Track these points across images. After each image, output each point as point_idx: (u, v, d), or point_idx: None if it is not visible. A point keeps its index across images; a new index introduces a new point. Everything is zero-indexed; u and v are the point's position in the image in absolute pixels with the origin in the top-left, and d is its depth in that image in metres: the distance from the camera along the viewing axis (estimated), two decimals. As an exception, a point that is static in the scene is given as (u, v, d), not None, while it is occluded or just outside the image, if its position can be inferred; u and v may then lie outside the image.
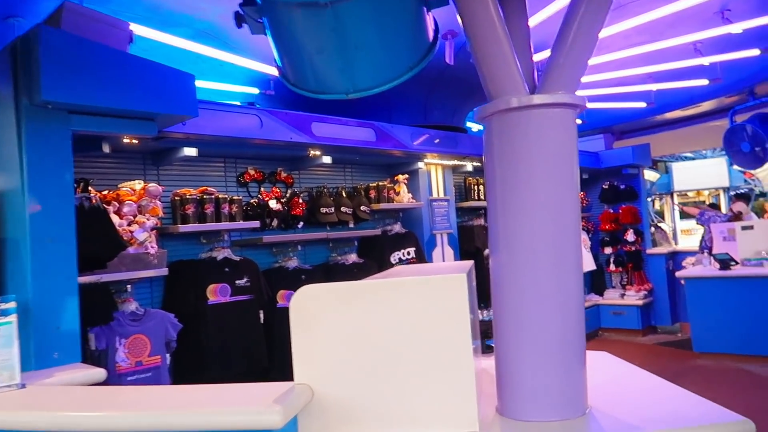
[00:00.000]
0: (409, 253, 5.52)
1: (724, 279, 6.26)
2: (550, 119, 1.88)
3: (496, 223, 1.97)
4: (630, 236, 8.24)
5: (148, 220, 3.61)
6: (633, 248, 8.30)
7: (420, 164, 5.66)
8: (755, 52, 5.54)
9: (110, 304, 3.21)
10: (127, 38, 3.00)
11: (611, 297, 8.37)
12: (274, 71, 5.18)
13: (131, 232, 3.50)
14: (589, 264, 8.13)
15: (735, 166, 15.41)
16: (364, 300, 1.85)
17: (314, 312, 1.86)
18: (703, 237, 7.59)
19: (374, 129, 4.84)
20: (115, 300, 3.37)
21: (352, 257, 5.07)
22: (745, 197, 8.35)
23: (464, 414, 1.77)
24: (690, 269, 6.99)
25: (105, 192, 3.64)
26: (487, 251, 6.59)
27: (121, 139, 3.36)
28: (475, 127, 8.01)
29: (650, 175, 19.40)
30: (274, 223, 4.58)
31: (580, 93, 1.94)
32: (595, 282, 8.71)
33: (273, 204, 4.53)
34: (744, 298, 6.13)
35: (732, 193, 14.68)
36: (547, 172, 1.89)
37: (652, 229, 9.07)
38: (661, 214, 18.05)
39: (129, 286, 3.54)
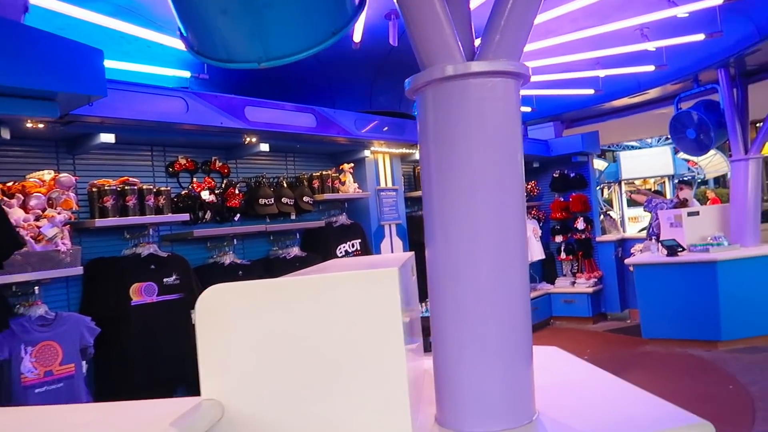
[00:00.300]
0: (354, 246, 5.29)
1: (671, 265, 6.28)
2: (491, 90, 1.66)
3: (431, 208, 1.75)
4: (580, 224, 8.23)
5: (59, 214, 3.25)
6: (583, 236, 8.29)
7: (366, 152, 5.41)
8: (700, 37, 5.52)
9: (4, 308, 2.85)
10: (21, 7, 2.63)
11: (562, 285, 8.36)
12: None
13: (38, 227, 3.13)
14: (538, 253, 8.09)
15: (679, 155, 15.84)
16: (281, 300, 1.60)
17: (224, 315, 1.60)
18: (650, 224, 7.63)
19: (315, 114, 4.57)
20: (9, 304, 3.00)
21: (294, 251, 4.80)
22: (689, 184, 8.48)
23: (396, 427, 1.54)
24: (638, 256, 7.01)
25: (9, 183, 3.26)
26: (437, 242, 6.42)
27: (22, 122, 2.99)
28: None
29: (599, 164, 19.77)
30: (208, 215, 4.26)
31: (535, 79, 1.73)
32: (547, 271, 8.70)
33: (206, 195, 4.21)
34: (690, 283, 6.16)
35: (677, 180, 15.07)
36: (488, 151, 1.67)
37: (602, 216, 9.11)
38: (610, 202, 18.42)
39: (37, 287, 3.17)
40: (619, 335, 7.29)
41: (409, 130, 5.76)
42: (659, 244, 6.53)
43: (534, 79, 6.91)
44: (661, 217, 7.04)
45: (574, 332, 7.77)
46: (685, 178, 16.92)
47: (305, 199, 4.90)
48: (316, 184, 5.07)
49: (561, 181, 8.43)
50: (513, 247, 1.70)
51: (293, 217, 4.89)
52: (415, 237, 6.11)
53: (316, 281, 1.65)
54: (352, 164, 5.36)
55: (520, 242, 1.72)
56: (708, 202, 17.94)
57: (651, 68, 6.47)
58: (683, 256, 6.27)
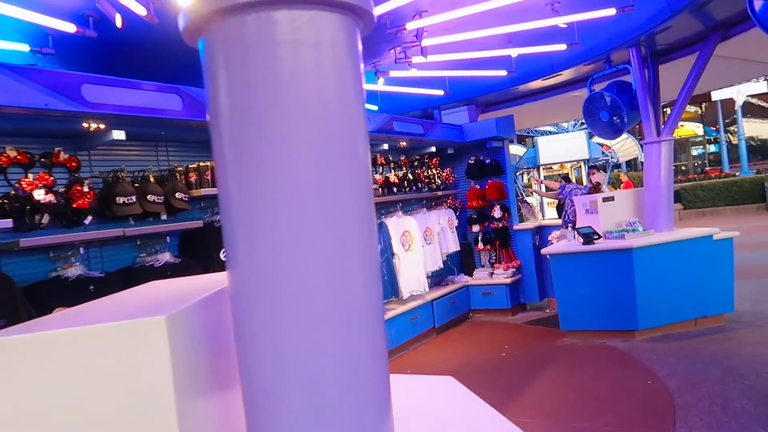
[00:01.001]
0: (243, 247, 4.61)
1: (587, 254, 6.01)
2: (315, 30, 1.08)
3: (229, 205, 1.16)
4: (497, 212, 7.91)
5: None
6: (500, 225, 7.98)
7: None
8: (611, 11, 5.22)
9: None
10: None
11: (480, 277, 8.02)
12: (53, 23, 4.00)
13: None
14: (453, 245, 7.71)
15: (594, 139, 16.07)
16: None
17: None
18: (565, 211, 7.40)
19: (181, 96, 3.85)
20: None
21: (165, 257, 4.08)
22: (602, 168, 8.36)
23: None
24: (554, 245, 6.74)
25: None
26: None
27: None
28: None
29: (517, 149, 19.88)
30: (45, 219, 3.47)
31: (438, 58, 1.15)
32: (465, 262, 8.34)
33: (39, 195, 3.42)
34: (607, 272, 5.92)
35: (590, 164, 15.27)
36: (312, 122, 1.09)
37: (519, 204, 8.85)
38: (528, 188, 18.51)
39: None
40: (538, 327, 7.02)
41: None
42: (575, 231, 6.26)
43: (444, 57, 6.48)
44: (577, 203, 6.79)
45: (492, 326, 7.44)
46: (597, 163, 17.25)
47: (178, 195, 4.19)
48: (193, 177, 4.36)
49: (477, 167, 8.06)
50: (354, 259, 1.14)
51: (164, 217, 4.17)
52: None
53: (49, 339, 1.04)
54: (236, 154, 4.67)
55: (363, 250, 1.16)
56: (621, 186, 18.43)
57: (563, 47, 6.14)
58: (599, 244, 6.03)
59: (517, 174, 19.58)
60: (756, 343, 5.29)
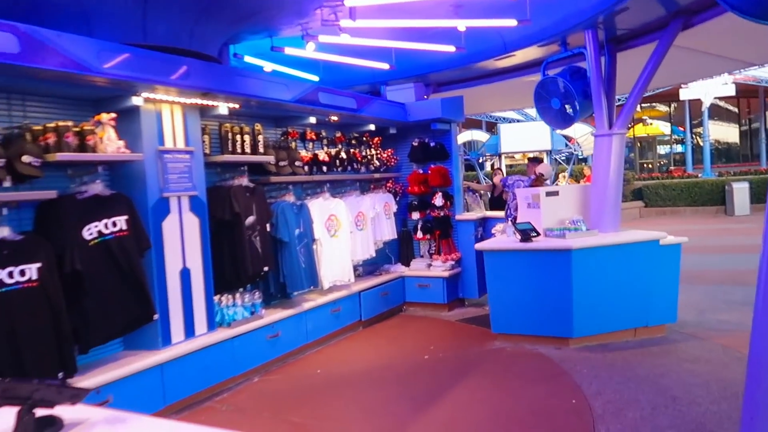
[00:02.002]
0: (116, 224, 3.93)
1: (523, 252, 5.48)
2: None
3: None
4: (438, 200, 7.33)
5: None
6: (441, 213, 7.41)
7: (136, 100, 4.03)
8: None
9: None
10: None
11: (417, 268, 7.46)
12: None
13: None
14: (388, 233, 7.13)
15: (558, 130, 15.63)
16: None
17: None
18: (508, 204, 6.86)
19: (18, 35, 3.11)
20: None
21: (4, 233, 3.37)
22: (539, 161, 7.88)
23: None
24: (488, 240, 6.20)
25: None
26: (250, 219, 5.19)
27: None
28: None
29: (481, 135, 19.40)
30: None
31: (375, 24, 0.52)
32: (404, 251, 7.77)
33: None
34: (543, 273, 5.40)
35: (530, 156, 14.83)
36: None
37: (465, 192, 8.30)
38: (490, 177, 18.05)
39: None
40: (472, 326, 6.50)
41: (210, 76, 4.43)
42: (514, 227, 5.72)
43: (382, 24, 5.80)
44: (519, 196, 6.25)
45: (425, 322, 6.91)
46: (534, 155, 16.83)
47: (26, 159, 3.45)
48: (50, 138, 3.63)
49: (420, 150, 7.45)
50: None
51: (7, 184, 3.44)
52: (217, 213, 4.84)
53: None
54: (113, 114, 3.95)
55: None
56: (584, 180, 18.11)
57: (513, 23, 5.54)
58: (537, 242, 5.49)
59: (480, 161, 19.11)
60: (695, 360, 4.85)
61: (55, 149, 3.63)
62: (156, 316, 4.10)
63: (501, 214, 7.41)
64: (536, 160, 7.81)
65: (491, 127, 23.88)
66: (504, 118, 22.86)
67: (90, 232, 3.78)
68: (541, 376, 4.74)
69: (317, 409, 4.33)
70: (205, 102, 4.50)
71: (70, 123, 3.69)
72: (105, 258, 3.83)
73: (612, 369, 4.77)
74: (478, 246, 5.88)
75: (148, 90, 4.02)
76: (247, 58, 6.64)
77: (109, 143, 3.90)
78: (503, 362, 5.20)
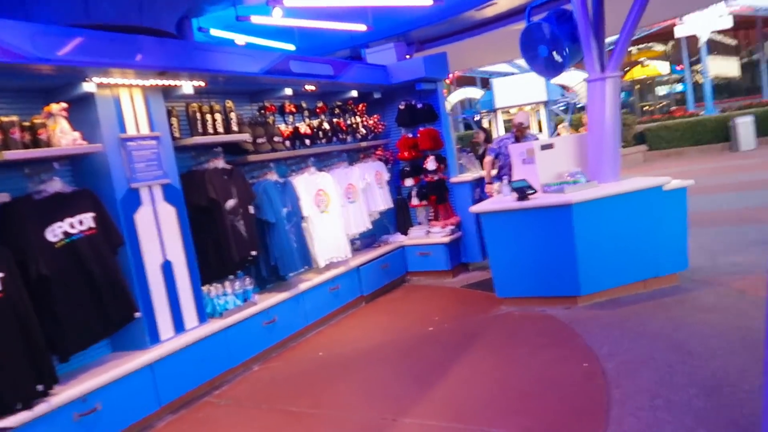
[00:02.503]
0: (82, 222, 3.67)
1: (521, 211, 5.20)
2: None
3: None
4: (430, 164, 7.02)
5: None
6: (435, 178, 7.12)
7: (87, 86, 3.72)
8: None
9: None
10: None
11: (416, 236, 7.21)
12: None
13: None
14: (381, 203, 6.86)
15: (555, 80, 15.13)
16: None
17: None
18: (501, 164, 6.54)
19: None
20: None
21: (-46, 243, 3.13)
22: (484, 130, 7.53)
23: None
24: (484, 202, 5.91)
25: None
26: (230, 202, 4.92)
27: None
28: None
29: (475, 92, 18.90)
30: None
31: None
32: (401, 220, 7.50)
33: None
34: (544, 231, 5.13)
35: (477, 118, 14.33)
36: None
37: (459, 153, 7.98)
38: (489, 135, 17.65)
39: None
40: (477, 291, 6.28)
41: (168, 53, 4.11)
42: (510, 186, 5.43)
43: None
44: (512, 153, 5.94)
45: (429, 290, 6.69)
46: (557, 107, 16.31)
47: (-31, 162, 3.19)
48: (-5, 137, 3.35)
49: (407, 113, 7.12)
50: None
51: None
52: (194, 199, 4.57)
53: None
54: (63, 104, 3.65)
55: None
56: (581, 129, 17.67)
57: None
58: (535, 200, 5.21)
59: (476, 119, 18.65)
60: (710, 309, 4.60)
61: (2, 147, 3.35)
62: (137, 314, 3.88)
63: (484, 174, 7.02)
64: (482, 128, 7.50)
65: (486, 84, 23.33)
66: (498, 73, 22.27)
67: (54, 233, 3.53)
68: (550, 341, 4.52)
69: (318, 396, 4.13)
70: (163, 82, 4.19)
71: (14, 117, 3.39)
72: (74, 259, 3.59)
73: (624, 326, 4.53)
74: (473, 209, 5.61)
75: (99, 74, 3.71)
76: (214, 32, 6.28)
77: (63, 136, 3.62)
78: (510, 328, 4.98)
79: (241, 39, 6.91)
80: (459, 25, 7.59)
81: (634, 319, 4.65)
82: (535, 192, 5.30)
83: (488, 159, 6.74)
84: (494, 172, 6.70)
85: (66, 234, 3.58)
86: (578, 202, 4.94)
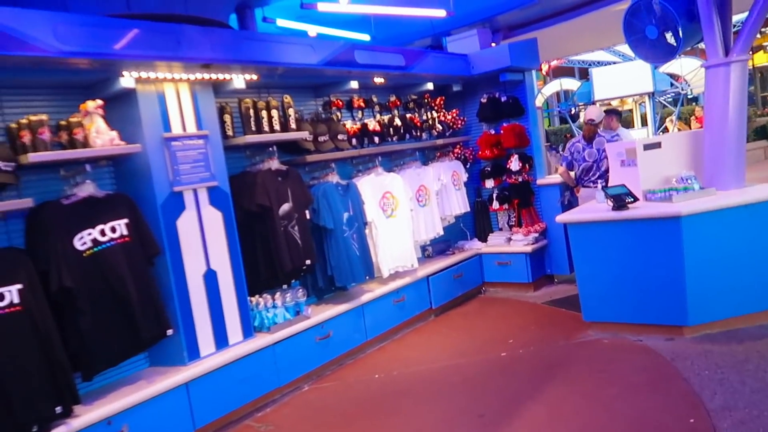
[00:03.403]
0: (114, 230, 3.39)
1: (616, 223, 4.42)
2: None
3: None
4: (514, 164, 6.32)
5: None
6: (519, 179, 6.40)
7: (126, 81, 3.43)
8: None
9: None
10: None
11: (496, 243, 6.53)
12: None
13: None
14: (458, 206, 6.25)
15: (661, 68, 13.66)
16: None
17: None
18: (593, 163, 5.70)
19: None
20: None
21: (-26, 252, 2.91)
22: (615, 113, 6.63)
23: None
24: (574, 210, 5.14)
25: None
26: (284, 207, 4.51)
27: None
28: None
29: (571, 83, 17.59)
30: None
31: None
32: (479, 225, 6.86)
33: None
34: (646, 247, 4.33)
35: (606, 108, 13.03)
36: None
37: (548, 152, 7.19)
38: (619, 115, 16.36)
39: None
40: (561, 310, 5.54)
41: (217, 44, 3.74)
42: (604, 192, 4.64)
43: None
44: (609, 152, 5.12)
45: (506, 305, 6.02)
46: (613, 107, 14.52)
47: (-6, 164, 2.97)
48: (24, 137, 3.11)
49: (490, 107, 6.44)
50: None
51: (-22, 194, 2.98)
52: (244, 203, 4.21)
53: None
54: (99, 101, 3.38)
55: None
56: (694, 120, 15.90)
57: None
58: (636, 210, 4.40)
59: (573, 112, 17.38)
60: None
61: (30, 149, 3.11)
62: (170, 332, 3.56)
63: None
64: (614, 113, 6.58)
65: (585, 75, 21.78)
66: (598, 62, 20.69)
67: (83, 241, 3.27)
68: (646, 381, 3.74)
69: (366, 429, 3.64)
70: (208, 75, 3.83)
71: (44, 117, 3.15)
72: (103, 270, 3.31)
73: (743, 369, 3.68)
74: (560, 218, 4.86)
75: (135, 68, 3.40)
76: (281, 22, 5.92)
77: (98, 135, 3.34)
78: (597, 360, 4.23)
79: (312, 30, 6.52)
80: (552, 8, 6.79)
81: (757, 360, 3.78)
82: (636, 200, 4.48)
83: (561, 169, 6.00)
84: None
85: (95, 242, 3.31)
86: (690, 214, 4.10)
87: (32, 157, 3.04)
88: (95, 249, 3.30)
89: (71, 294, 3.16)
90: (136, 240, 3.47)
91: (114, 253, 3.36)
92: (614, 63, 18.50)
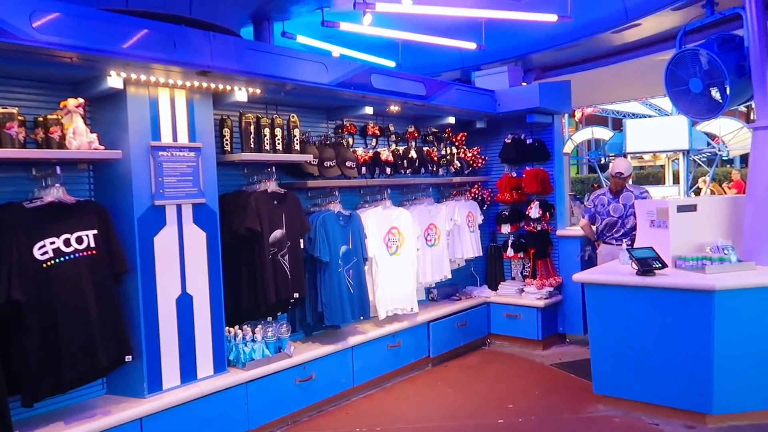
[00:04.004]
0: (81, 240, 3.07)
1: (640, 289, 3.97)
2: None
3: None
4: (534, 211, 5.91)
5: None
6: (538, 227, 5.99)
7: (112, 81, 3.14)
8: None
9: None
10: None
11: (506, 293, 6.10)
12: None
13: None
14: (470, 249, 5.85)
15: (698, 126, 13.18)
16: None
17: None
18: (618, 220, 5.25)
19: None
20: None
21: None
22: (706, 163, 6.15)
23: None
24: (594, 270, 4.69)
25: None
26: (276, 233, 4.16)
27: None
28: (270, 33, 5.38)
29: (603, 132, 17.17)
30: None
31: None
32: (491, 271, 6.44)
33: None
34: (671, 320, 3.86)
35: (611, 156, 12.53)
36: None
37: (571, 201, 6.77)
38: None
39: None
40: (570, 376, 5.05)
41: (195, 45, 3.40)
42: (629, 254, 4.21)
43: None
44: (639, 210, 4.69)
45: (511, 362, 5.55)
46: (699, 156, 14.10)
47: (-51, 156, 2.68)
48: (-9, 131, 2.83)
49: (513, 148, 6.07)
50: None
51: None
52: (233, 224, 3.87)
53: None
54: (81, 100, 3.09)
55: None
56: (730, 185, 15.27)
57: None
58: (663, 277, 3.96)
59: (602, 162, 16.90)
60: None
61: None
62: (128, 358, 3.20)
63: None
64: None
65: (618, 125, 21.33)
66: (632, 114, 20.23)
67: (44, 250, 2.94)
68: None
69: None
70: (206, 84, 3.54)
71: (13, 110, 2.86)
72: (62, 284, 2.97)
73: (776, 477, 3.18)
74: (578, 277, 4.42)
75: (122, 67, 3.11)
76: (302, 39, 5.66)
77: (75, 137, 3.04)
78: (607, 443, 3.75)
79: (336, 51, 6.27)
80: (587, 51, 6.45)
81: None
82: (664, 266, 4.03)
83: (583, 222, 5.58)
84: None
85: (58, 252, 2.98)
86: (725, 289, 3.65)
87: (7, 153, 2.74)
88: (56, 260, 2.98)
89: (20, 308, 2.83)
90: (103, 254, 3.14)
91: (77, 267, 3.03)
92: (649, 116, 18.05)
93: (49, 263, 2.96)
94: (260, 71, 3.62)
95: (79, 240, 3.07)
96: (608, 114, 23.08)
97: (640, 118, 17.44)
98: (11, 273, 2.80)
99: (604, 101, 12.26)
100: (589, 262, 5.78)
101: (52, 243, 2.98)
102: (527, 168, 6.01)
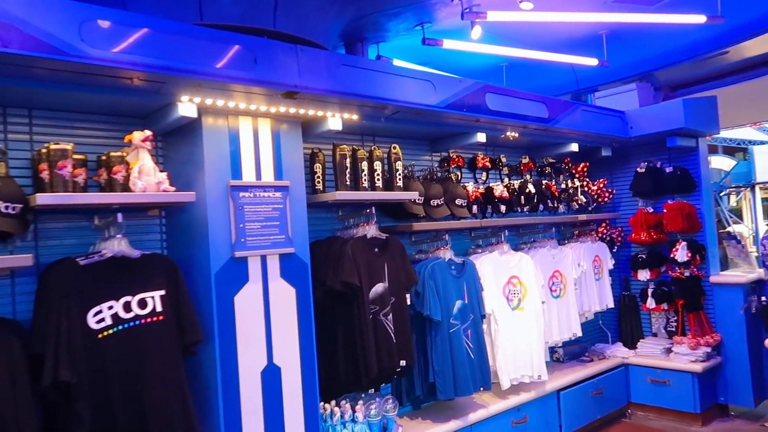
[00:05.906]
0: (145, 304, 2.48)
1: None
2: None
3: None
4: (680, 253, 4.87)
5: None
6: (687, 273, 4.92)
7: (183, 108, 2.59)
8: None
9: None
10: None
11: (649, 353, 5.03)
12: None
13: None
14: (598, 300, 4.90)
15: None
16: None
17: None
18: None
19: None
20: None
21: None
22: None
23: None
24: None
25: None
26: (377, 288, 3.43)
27: None
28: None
29: (722, 162, 15.45)
30: None
31: None
32: (625, 326, 5.39)
33: None
34: None
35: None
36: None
37: (724, 240, 5.65)
38: (738, 214, 14.18)
39: None
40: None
41: (278, 60, 2.80)
42: None
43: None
44: None
45: (664, 441, 4.46)
46: (727, 194, 12.14)
47: (4, 207, 2.18)
48: (43, 171, 2.33)
49: (648, 179, 5.11)
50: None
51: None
52: (326, 279, 3.19)
53: None
54: (148, 133, 2.56)
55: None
56: None
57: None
58: None
59: (721, 195, 15.17)
60: None
61: (48, 186, 2.32)
62: (197, 449, 2.53)
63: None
64: None
65: (732, 152, 19.29)
66: (747, 141, 18.26)
67: (100, 317, 2.37)
68: None
69: None
70: (294, 109, 2.93)
71: (68, 146, 2.35)
72: (120, 360, 2.38)
73: None
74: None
75: (194, 90, 2.55)
76: (400, 63, 5.06)
77: (141, 176, 2.50)
78: None
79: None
80: (730, 62, 5.43)
81: None
82: None
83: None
84: None
85: (116, 319, 2.40)
86: None
87: (42, 198, 2.21)
88: (114, 329, 2.39)
89: (69, 392, 2.24)
90: (172, 320, 2.54)
91: (139, 336, 2.43)
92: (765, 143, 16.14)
93: (105, 333, 2.38)
94: (357, 91, 2.98)
95: (142, 303, 2.48)
96: (718, 142, 21.12)
97: (758, 144, 15.60)
98: (60, 347, 2.23)
99: (744, 123, 10.79)
100: (756, 317, 4.65)
101: (110, 308, 2.40)
102: (668, 201, 5.00)
